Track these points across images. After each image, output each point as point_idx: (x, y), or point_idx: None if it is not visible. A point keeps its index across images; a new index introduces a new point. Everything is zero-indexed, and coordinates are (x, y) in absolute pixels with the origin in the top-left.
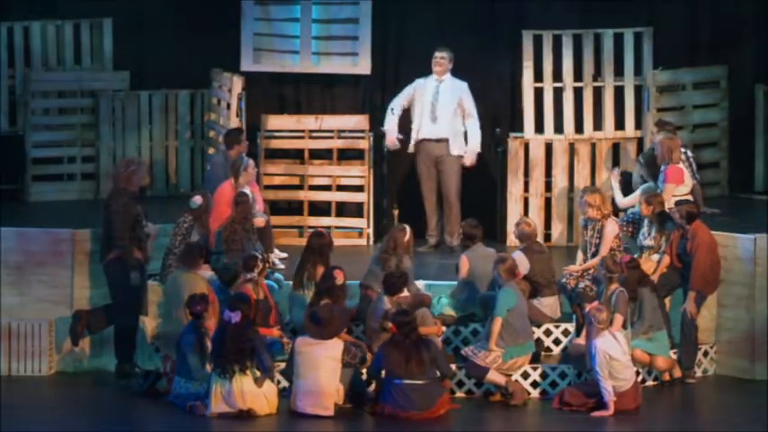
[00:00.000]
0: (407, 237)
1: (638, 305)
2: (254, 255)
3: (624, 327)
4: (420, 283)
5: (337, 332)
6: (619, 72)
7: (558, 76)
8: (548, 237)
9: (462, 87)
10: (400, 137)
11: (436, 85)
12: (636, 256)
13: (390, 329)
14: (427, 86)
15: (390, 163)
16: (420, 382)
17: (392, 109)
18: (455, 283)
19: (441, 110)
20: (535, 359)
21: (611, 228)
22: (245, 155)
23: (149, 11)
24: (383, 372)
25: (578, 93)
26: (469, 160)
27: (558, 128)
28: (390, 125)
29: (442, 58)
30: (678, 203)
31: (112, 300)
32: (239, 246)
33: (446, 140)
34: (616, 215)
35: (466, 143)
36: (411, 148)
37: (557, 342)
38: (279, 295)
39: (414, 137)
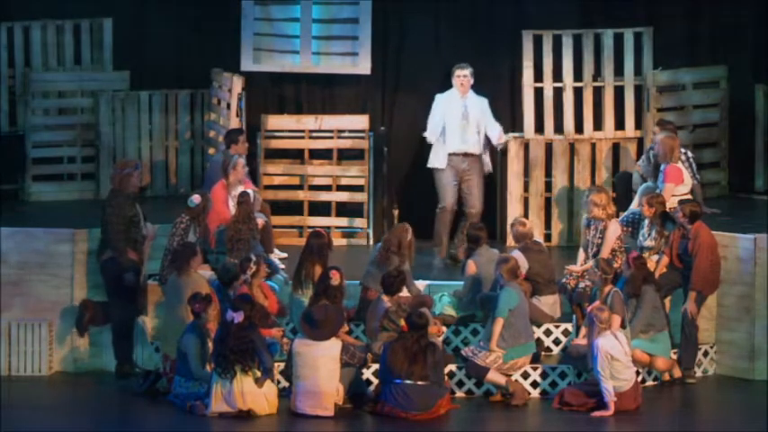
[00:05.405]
0: (410, 236)
1: (638, 302)
2: (248, 257)
3: (623, 326)
4: (421, 284)
5: (333, 333)
6: (619, 72)
7: (558, 76)
8: (548, 237)
9: (485, 103)
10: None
11: (463, 103)
12: None
13: (402, 328)
14: (452, 104)
15: (390, 163)
16: (421, 383)
17: (437, 137)
18: (455, 283)
19: (470, 128)
20: (535, 359)
21: (614, 228)
22: (242, 155)
23: (149, 11)
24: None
25: (578, 93)
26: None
27: (558, 128)
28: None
29: (465, 77)
30: (681, 203)
31: (109, 299)
32: (246, 245)
33: (472, 155)
34: (617, 215)
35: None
36: (440, 164)
37: (557, 342)
38: (279, 295)
39: (440, 154)
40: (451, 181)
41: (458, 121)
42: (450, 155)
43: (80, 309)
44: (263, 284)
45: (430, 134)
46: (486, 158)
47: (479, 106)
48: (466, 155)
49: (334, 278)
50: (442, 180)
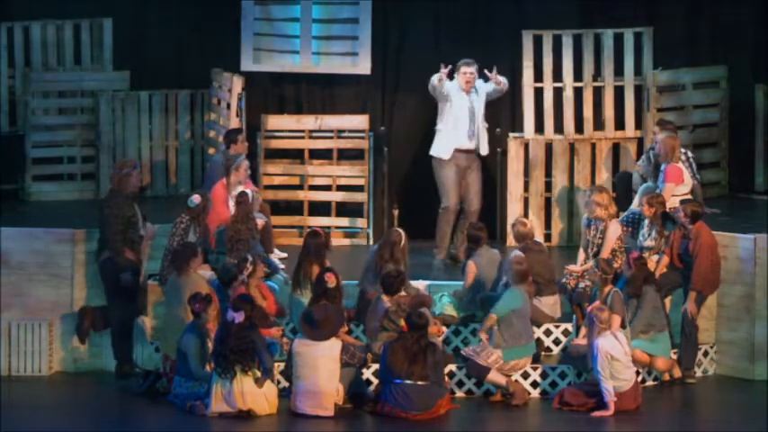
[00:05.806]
0: (403, 241)
1: (639, 302)
2: (245, 257)
3: (623, 326)
4: (421, 284)
5: (333, 333)
6: (619, 72)
7: (558, 76)
8: (548, 237)
9: (483, 85)
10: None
11: (469, 99)
12: None
13: (402, 328)
14: (459, 99)
15: (390, 163)
16: (421, 383)
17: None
18: (455, 283)
19: (475, 124)
20: (535, 359)
21: (615, 228)
22: (242, 154)
23: (149, 11)
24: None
25: (578, 93)
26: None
27: (558, 128)
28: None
29: (471, 74)
30: (683, 203)
31: (108, 300)
32: (246, 245)
33: (474, 152)
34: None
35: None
36: (445, 154)
37: (557, 342)
38: (279, 295)
39: (447, 145)
40: (453, 177)
41: (463, 117)
42: (455, 150)
43: (79, 315)
44: (262, 285)
45: (441, 73)
46: (484, 141)
47: (483, 95)
48: (469, 151)
49: (330, 281)
50: (443, 176)
